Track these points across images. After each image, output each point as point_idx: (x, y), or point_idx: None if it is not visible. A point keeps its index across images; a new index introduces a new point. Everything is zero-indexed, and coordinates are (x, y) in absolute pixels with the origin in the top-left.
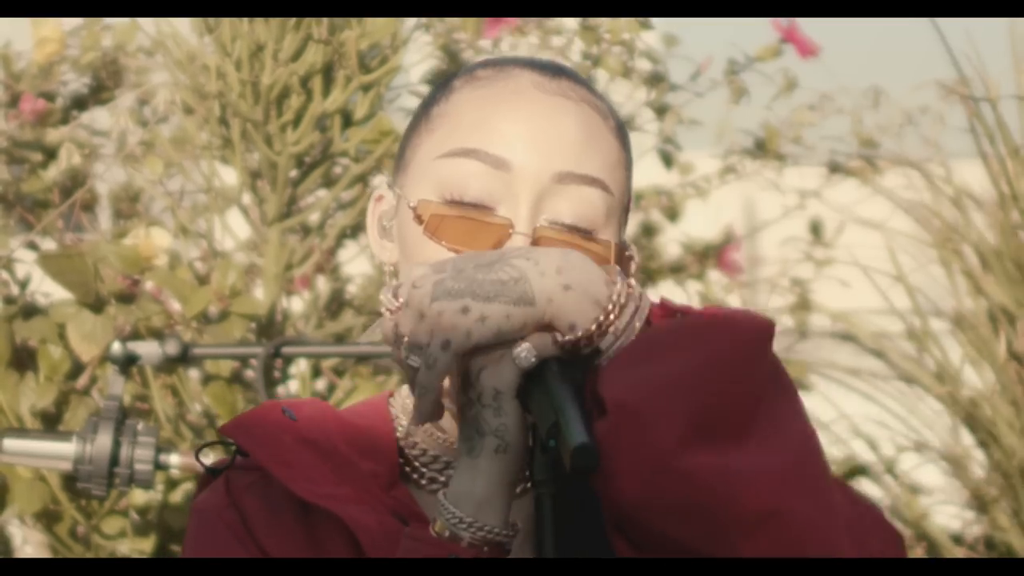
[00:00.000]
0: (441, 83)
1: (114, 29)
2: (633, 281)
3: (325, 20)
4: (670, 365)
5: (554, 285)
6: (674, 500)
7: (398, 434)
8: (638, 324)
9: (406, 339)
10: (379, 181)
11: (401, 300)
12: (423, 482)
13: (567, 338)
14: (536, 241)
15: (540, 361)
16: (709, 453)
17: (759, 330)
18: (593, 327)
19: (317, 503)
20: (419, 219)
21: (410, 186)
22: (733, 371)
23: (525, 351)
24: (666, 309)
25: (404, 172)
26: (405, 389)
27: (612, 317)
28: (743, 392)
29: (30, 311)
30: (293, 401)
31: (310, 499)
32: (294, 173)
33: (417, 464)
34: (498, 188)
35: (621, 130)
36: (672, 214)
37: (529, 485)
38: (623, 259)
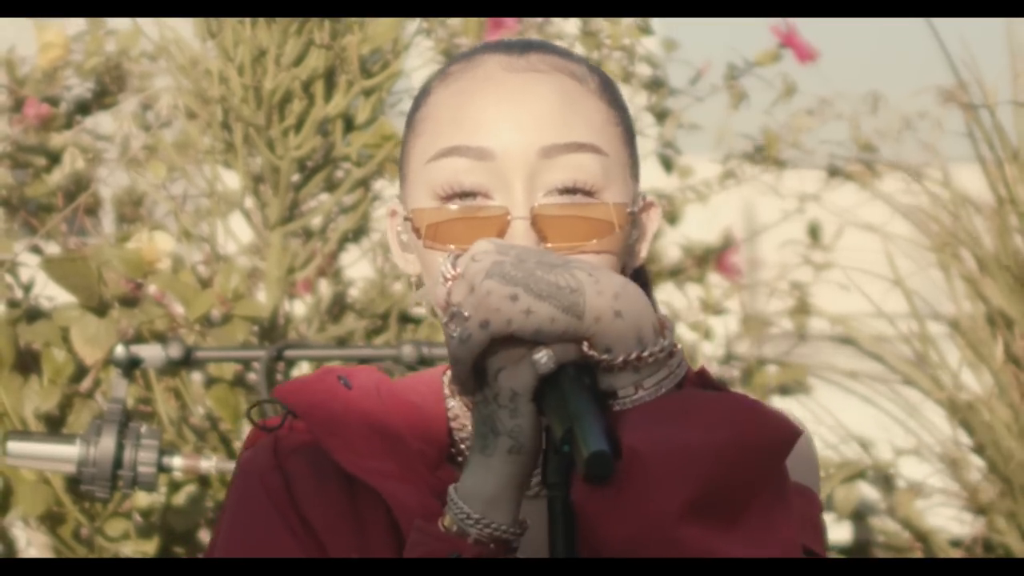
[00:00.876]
0: (421, 87)
1: (117, 34)
2: (680, 346)
3: (327, 25)
4: (694, 432)
5: (607, 307)
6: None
7: (449, 415)
8: (667, 387)
9: (453, 308)
10: (381, 185)
11: (458, 270)
12: None
13: (597, 356)
14: (536, 220)
15: (558, 366)
16: (701, 529)
17: (786, 432)
18: (621, 357)
19: (360, 476)
20: (417, 231)
21: (409, 196)
22: (749, 460)
23: (545, 356)
24: (702, 378)
25: (404, 183)
26: None
27: (648, 359)
28: (749, 482)
29: (34, 314)
30: (349, 369)
31: (353, 471)
32: (296, 177)
33: (463, 447)
34: (488, 178)
35: (606, 88)
36: (672, 218)
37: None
38: (641, 209)
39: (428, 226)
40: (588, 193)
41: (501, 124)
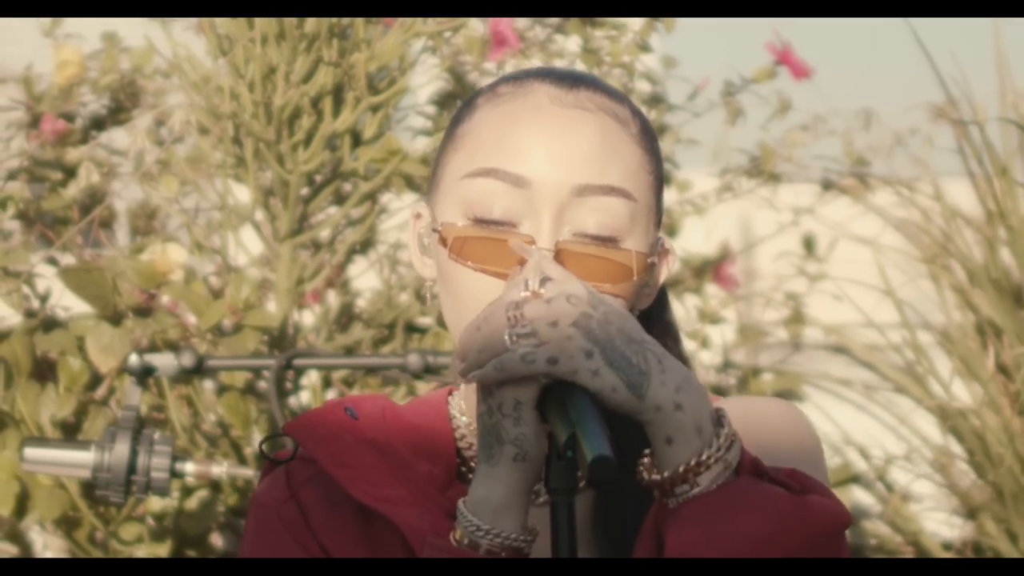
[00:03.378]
0: (467, 100)
1: (131, 52)
2: (737, 436)
3: (335, 43)
4: (740, 527)
5: (668, 399)
6: None
7: (456, 435)
8: (721, 480)
9: (523, 321)
10: (388, 199)
11: (543, 291)
12: None
13: (654, 477)
14: (558, 255)
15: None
16: None
17: (832, 522)
18: (681, 467)
19: (372, 506)
20: (443, 241)
21: (439, 205)
22: (793, 552)
23: None
24: (755, 466)
25: (436, 190)
26: (464, 388)
27: (708, 461)
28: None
29: (51, 324)
30: (355, 397)
31: (367, 502)
32: (305, 191)
33: (473, 465)
34: (520, 205)
35: (645, 132)
36: (671, 230)
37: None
38: (658, 255)
39: (456, 239)
40: (613, 236)
41: (541, 155)
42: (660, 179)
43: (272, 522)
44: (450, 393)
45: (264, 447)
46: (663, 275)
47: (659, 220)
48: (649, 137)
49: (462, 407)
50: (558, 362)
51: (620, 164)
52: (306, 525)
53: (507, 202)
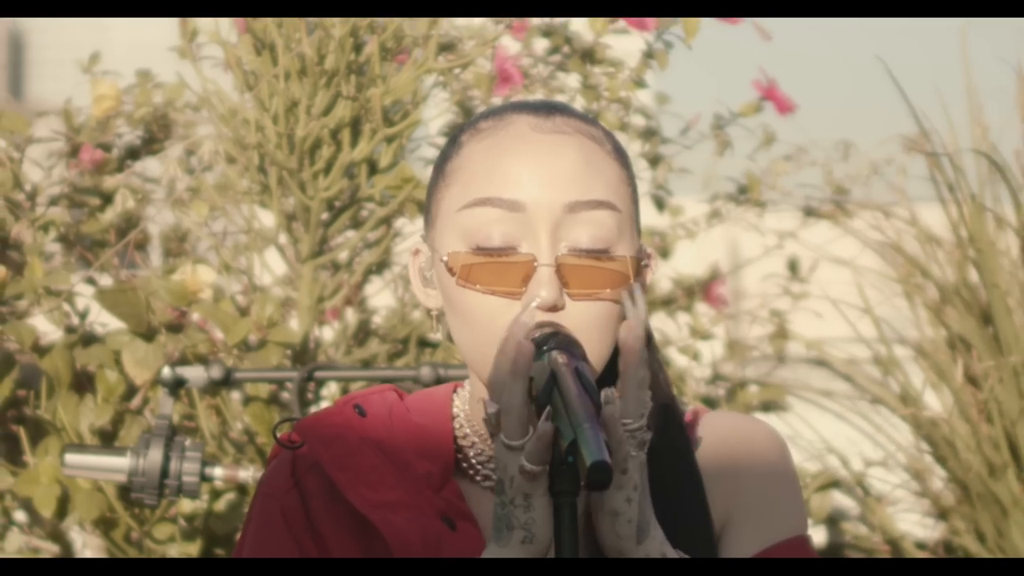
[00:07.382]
0: (450, 139)
1: (164, 87)
2: None
3: (353, 79)
4: None
5: (656, 550)
6: None
7: (457, 433)
8: None
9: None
10: (401, 223)
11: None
12: (478, 478)
13: None
14: (559, 269)
15: (558, 367)
16: None
17: None
18: None
19: (366, 513)
20: (451, 271)
21: (439, 239)
22: None
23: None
24: None
25: (432, 226)
26: (469, 387)
27: None
28: None
29: (89, 339)
30: (367, 393)
31: (361, 508)
32: (325, 216)
33: (473, 461)
34: (517, 228)
35: (618, 150)
36: (664, 253)
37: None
38: (640, 267)
39: (463, 266)
40: (605, 247)
41: (531, 180)
42: (636, 190)
43: (274, 516)
44: (455, 390)
45: (276, 432)
46: (648, 278)
47: (639, 228)
48: (621, 153)
49: (466, 410)
50: (627, 472)
51: (603, 179)
52: (306, 515)
53: (505, 227)
